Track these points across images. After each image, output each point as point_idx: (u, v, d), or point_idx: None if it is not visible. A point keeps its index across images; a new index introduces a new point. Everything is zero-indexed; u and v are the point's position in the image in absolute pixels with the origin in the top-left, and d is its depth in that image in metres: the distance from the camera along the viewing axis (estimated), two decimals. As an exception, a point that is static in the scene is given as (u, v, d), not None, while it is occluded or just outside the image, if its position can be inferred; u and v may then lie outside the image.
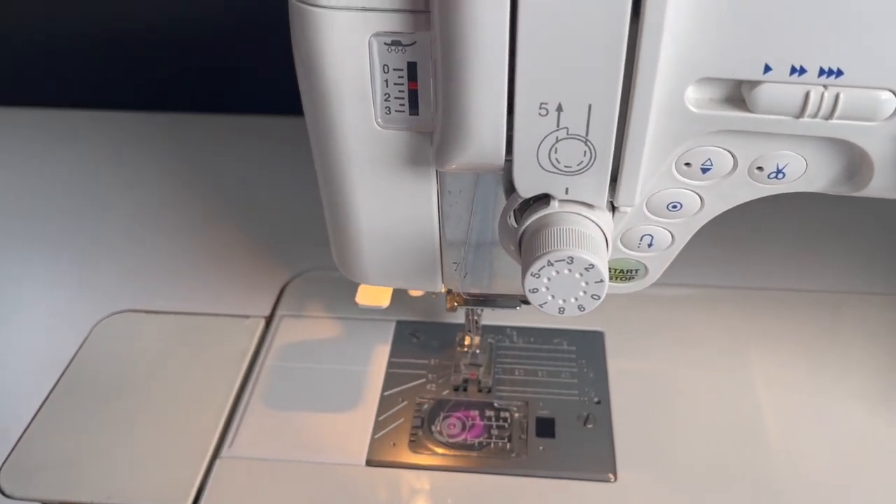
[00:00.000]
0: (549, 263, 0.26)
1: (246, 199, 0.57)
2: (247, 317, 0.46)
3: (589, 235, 0.27)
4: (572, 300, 0.27)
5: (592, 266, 0.26)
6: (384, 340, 0.45)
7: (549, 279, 0.27)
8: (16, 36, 0.66)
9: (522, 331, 0.44)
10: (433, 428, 0.39)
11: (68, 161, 0.61)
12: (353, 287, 0.38)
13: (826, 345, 0.44)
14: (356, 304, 0.37)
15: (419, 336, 0.45)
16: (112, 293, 0.49)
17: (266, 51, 0.64)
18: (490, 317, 0.44)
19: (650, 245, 0.31)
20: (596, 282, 0.27)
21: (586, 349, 0.44)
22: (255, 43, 0.63)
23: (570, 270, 0.26)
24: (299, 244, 0.52)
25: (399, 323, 0.45)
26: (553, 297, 0.27)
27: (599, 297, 0.27)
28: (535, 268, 0.26)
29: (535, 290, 0.27)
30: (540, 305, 0.28)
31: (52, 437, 0.40)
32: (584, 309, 0.27)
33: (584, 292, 0.27)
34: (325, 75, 0.27)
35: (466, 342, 0.42)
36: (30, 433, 0.40)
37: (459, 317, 0.44)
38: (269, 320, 0.46)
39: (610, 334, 0.44)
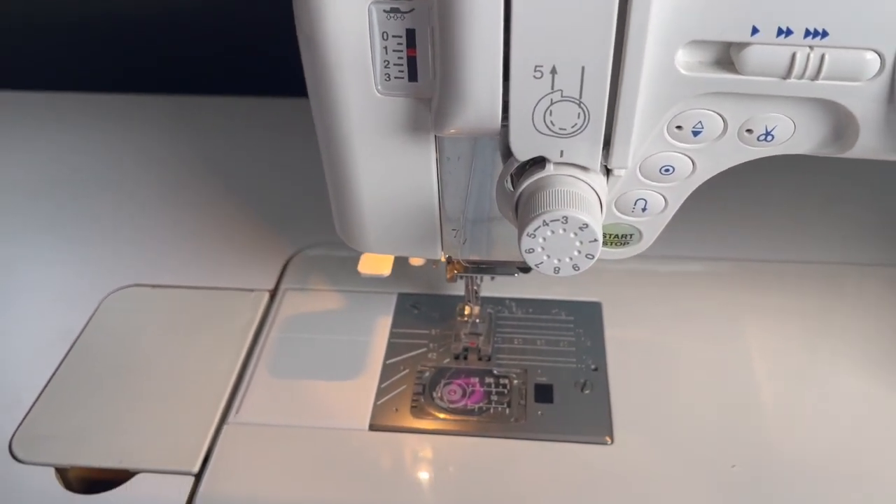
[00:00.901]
0: (545, 223, 0.27)
1: (250, 177, 0.58)
2: (251, 290, 0.47)
3: (583, 197, 0.28)
4: (567, 259, 0.28)
5: (586, 225, 0.27)
6: (386, 312, 0.45)
7: (544, 239, 0.27)
8: (18, 20, 0.67)
9: (521, 302, 0.45)
10: (434, 394, 0.40)
11: (75, 142, 0.62)
12: (356, 262, 0.39)
13: (821, 314, 0.45)
14: (358, 273, 0.38)
15: (420, 307, 0.45)
16: (118, 269, 0.49)
17: (268, 31, 0.65)
18: (489, 288, 0.45)
19: (644, 209, 0.32)
20: (590, 241, 0.27)
21: (584, 319, 0.44)
22: (258, 23, 0.64)
23: (564, 230, 0.27)
24: (302, 220, 0.53)
25: (400, 295, 0.46)
26: (548, 256, 0.28)
27: (593, 257, 0.28)
28: (530, 228, 0.27)
29: (531, 251, 0.28)
30: (536, 265, 0.28)
31: (63, 406, 0.41)
32: (579, 268, 0.28)
33: (579, 252, 0.28)
34: (326, 44, 0.28)
35: (466, 312, 0.43)
36: (41, 402, 0.41)
37: (459, 288, 0.45)
38: (273, 294, 0.47)
39: (607, 305, 0.45)
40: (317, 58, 0.29)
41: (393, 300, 0.46)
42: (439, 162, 0.32)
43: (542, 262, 0.28)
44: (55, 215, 0.55)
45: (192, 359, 0.43)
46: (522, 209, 0.28)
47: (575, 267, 0.28)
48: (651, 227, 0.33)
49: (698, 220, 0.50)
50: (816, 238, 0.50)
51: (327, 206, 0.54)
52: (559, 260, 0.28)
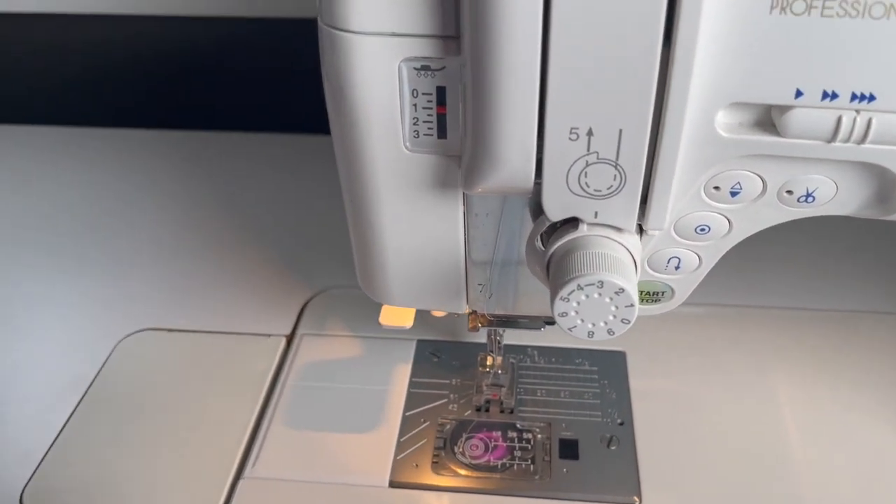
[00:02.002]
0: (580, 287, 0.26)
1: (266, 216, 0.57)
2: (268, 335, 0.47)
3: (618, 259, 0.27)
4: (602, 324, 0.27)
5: (623, 290, 0.26)
6: (405, 359, 0.44)
7: (578, 303, 0.27)
8: (47, 55, 0.67)
9: (544, 350, 0.44)
10: (456, 449, 0.39)
11: (89, 179, 0.62)
12: (373, 305, 0.38)
13: (848, 363, 0.44)
14: (379, 324, 0.38)
15: (440, 355, 0.45)
16: (133, 311, 0.49)
17: (288, 69, 0.65)
18: (511, 336, 0.44)
19: (677, 267, 0.31)
20: (626, 306, 0.27)
21: (608, 369, 0.43)
22: (277, 61, 0.64)
23: (599, 294, 0.26)
24: (319, 262, 0.52)
25: (420, 342, 0.45)
26: (582, 321, 0.27)
27: (629, 322, 0.27)
28: (564, 292, 0.26)
29: (564, 314, 0.27)
30: (569, 329, 0.27)
31: (75, 459, 0.40)
32: (614, 333, 0.27)
33: (614, 316, 0.27)
34: (355, 99, 0.28)
35: (488, 362, 0.42)
36: (52, 455, 0.40)
37: (480, 335, 0.44)
38: (290, 339, 0.46)
39: (631, 354, 0.44)
40: (345, 112, 0.28)
41: (412, 347, 0.45)
42: (467, 217, 0.31)
43: (575, 326, 0.27)
44: (68, 254, 0.54)
45: (208, 408, 0.42)
46: (555, 270, 0.27)
47: (610, 332, 0.27)
48: (684, 285, 0.32)
49: (724, 266, 0.49)
50: (846, 286, 0.49)
51: (344, 248, 0.53)
52: (593, 324, 0.27)
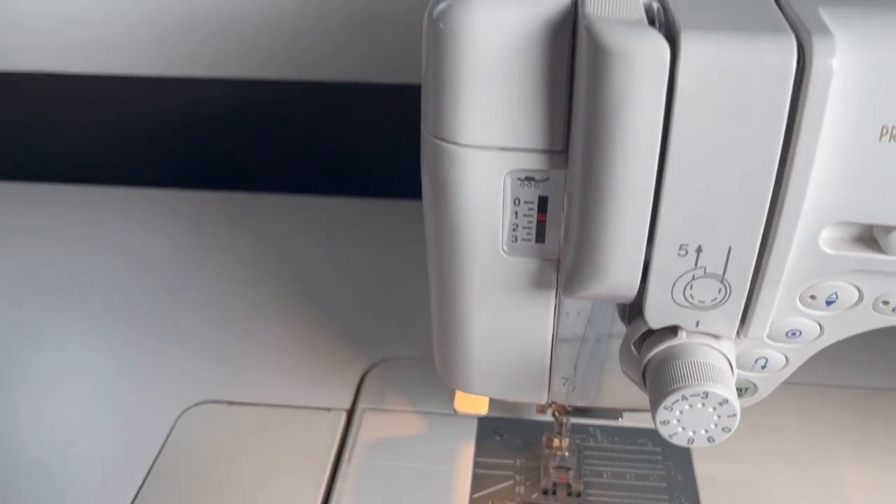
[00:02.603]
0: (684, 398, 0.27)
1: (321, 283, 0.57)
2: (328, 409, 0.47)
3: (720, 368, 0.27)
4: (702, 432, 0.28)
5: (727, 401, 0.27)
6: (468, 437, 0.44)
7: (681, 412, 0.27)
8: (103, 116, 0.68)
9: (606, 430, 0.44)
10: (526, 533, 0.39)
11: (140, 242, 0.62)
12: (433, 377, 0.38)
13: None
14: (454, 410, 0.38)
15: (503, 434, 0.45)
16: (191, 383, 0.49)
17: (347, 133, 0.66)
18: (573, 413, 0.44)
19: (764, 367, 0.31)
20: (729, 416, 0.27)
21: (672, 450, 0.43)
22: (338, 124, 0.65)
23: (703, 405, 0.27)
24: (376, 330, 0.52)
25: (482, 419, 0.45)
26: (683, 428, 0.27)
27: (730, 430, 0.27)
28: (668, 401, 0.27)
29: (665, 422, 0.27)
30: (669, 436, 0.28)
31: (143, 537, 0.40)
32: (714, 441, 0.28)
33: (716, 425, 0.27)
34: (458, 205, 0.28)
35: (554, 444, 0.42)
36: (121, 532, 0.40)
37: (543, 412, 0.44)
38: (350, 413, 0.47)
39: (693, 433, 0.44)
40: (445, 213, 0.29)
41: (474, 424, 0.45)
42: (557, 316, 0.31)
43: (676, 434, 0.28)
44: (122, 322, 0.54)
45: (273, 487, 0.42)
46: (654, 377, 0.28)
47: (710, 439, 0.28)
48: (768, 383, 0.32)
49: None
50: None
51: (401, 317, 0.54)
52: (694, 432, 0.28)
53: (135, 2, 0.61)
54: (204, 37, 0.62)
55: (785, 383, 0.48)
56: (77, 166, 0.69)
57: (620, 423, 0.45)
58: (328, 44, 0.62)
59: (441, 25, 0.26)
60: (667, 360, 0.28)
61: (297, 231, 0.64)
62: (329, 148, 0.67)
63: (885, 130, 0.24)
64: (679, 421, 0.27)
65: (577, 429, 0.44)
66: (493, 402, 0.46)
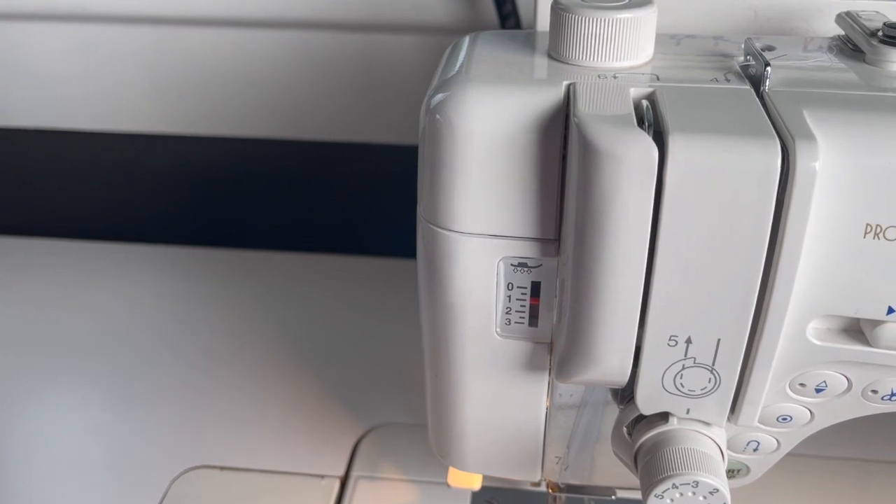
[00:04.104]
0: (674, 486, 0.27)
1: (313, 345, 0.58)
2: (321, 476, 0.47)
3: (710, 456, 0.27)
4: (693, 520, 0.28)
5: (717, 490, 0.27)
6: (461, 508, 0.44)
7: (671, 501, 0.27)
8: (93, 173, 0.69)
9: (601, 502, 0.44)
10: None
11: (130, 302, 0.62)
12: (427, 443, 0.38)
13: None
14: (447, 485, 0.38)
15: (496, 504, 0.44)
16: (183, 447, 0.49)
17: (332, 191, 0.67)
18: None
19: (755, 449, 0.31)
20: (719, 504, 0.27)
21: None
22: (335, 183, 0.66)
23: (693, 493, 0.27)
24: (370, 395, 0.52)
25: (475, 491, 0.45)
26: (674, 516, 0.27)
27: (721, 519, 0.27)
28: (659, 489, 0.27)
29: (656, 510, 0.27)
30: (660, 523, 0.28)
31: None
32: (705, 528, 0.28)
33: (707, 513, 0.27)
34: (451, 288, 0.29)
35: (549, 518, 0.41)
36: None
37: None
38: (343, 480, 0.46)
39: (687, 506, 0.44)
40: (439, 301, 0.29)
41: (467, 495, 0.45)
42: (550, 397, 0.32)
43: (667, 521, 0.28)
44: (111, 383, 0.54)
45: (265, 558, 0.42)
46: (646, 464, 0.28)
47: (701, 527, 0.28)
48: (760, 464, 0.33)
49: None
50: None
51: (395, 381, 0.54)
52: (685, 520, 0.28)
53: (134, 59, 0.62)
54: (203, 95, 0.63)
55: (792, 455, 0.48)
56: (66, 221, 0.70)
57: (614, 500, 0.44)
58: (329, 104, 0.63)
59: (438, 116, 0.26)
60: (657, 445, 0.28)
61: (292, 290, 0.64)
62: (327, 206, 0.67)
63: (868, 228, 0.24)
64: (670, 509, 0.27)
65: (570, 499, 0.44)
66: (488, 475, 0.46)
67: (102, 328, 0.59)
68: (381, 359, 0.56)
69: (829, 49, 0.29)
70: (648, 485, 0.27)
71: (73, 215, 0.71)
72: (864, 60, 0.28)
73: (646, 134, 0.23)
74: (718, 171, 0.23)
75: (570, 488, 0.37)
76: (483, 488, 0.45)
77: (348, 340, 0.58)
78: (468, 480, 0.37)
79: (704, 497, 0.27)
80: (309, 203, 0.68)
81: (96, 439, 0.50)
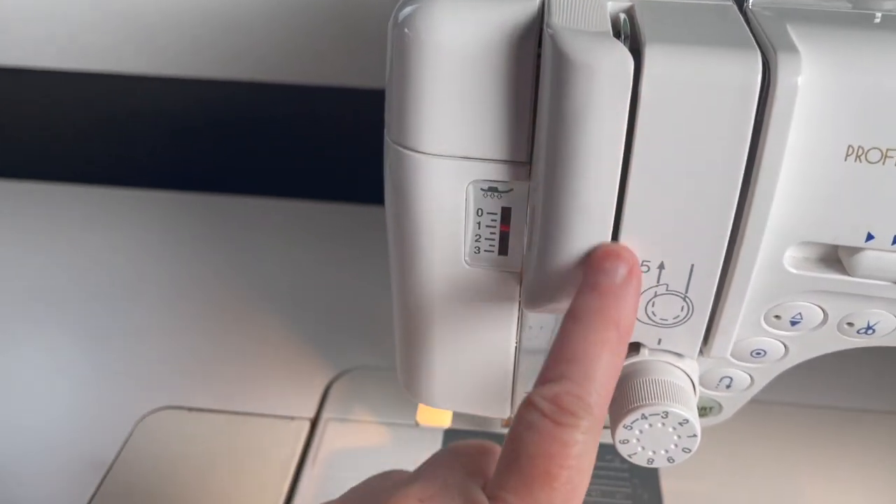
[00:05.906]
0: (643, 417, 0.26)
1: (288, 289, 0.57)
2: (291, 418, 0.46)
3: (681, 388, 0.27)
4: (662, 452, 0.27)
5: (687, 421, 0.26)
6: (432, 450, 0.43)
7: (641, 431, 0.26)
8: (72, 115, 0.67)
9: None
10: (486, 549, 0.39)
11: (101, 243, 0.61)
12: (398, 386, 0.38)
13: (883, 466, 0.43)
14: (416, 421, 0.37)
15: (468, 447, 0.44)
16: (151, 387, 0.48)
17: (313, 136, 0.65)
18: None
19: (728, 386, 0.31)
20: (689, 436, 0.26)
21: (639, 467, 0.43)
22: (302, 128, 0.64)
23: (663, 424, 0.26)
24: (344, 339, 0.52)
25: (448, 432, 0.45)
26: (643, 448, 0.27)
27: (690, 451, 0.27)
28: (628, 420, 0.26)
29: (625, 441, 0.27)
30: (629, 456, 0.27)
31: (94, 546, 0.39)
32: (674, 461, 0.27)
33: (676, 445, 0.27)
34: (419, 213, 0.28)
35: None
36: (71, 541, 0.39)
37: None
38: (314, 422, 0.46)
39: (660, 450, 0.44)
40: (407, 226, 0.28)
41: (439, 437, 0.44)
42: (520, 330, 0.31)
43: (635, 454, 0.27)
44: (81, 324, 0.53)
45: (232, 498, 0.41)
46: (616, 395, 0.27)
47: (670, 459, 0.27)
48: (733, 402, 0.32)
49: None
50: (887, 385, 0.49)
51: (369, 326, 0.53)
52: (654, 452, 0.27)
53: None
54: (182, 37, 0.61)
55: (752, 401, 0.47)
56: (46, 164, 0.68)
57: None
58: (305, 47, 0.61)
59: (405, 30, 0.25)
60: (628, 377, 0.27)
61: (263, 235, 0.63)
62: (298, 151, 0.66)
63: (850, 150, 0.23)
64: (639, 440, 0.27)
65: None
66: (458, 415, 0.45)
67: (73, 271, 0.58)
68: (356, 303, 0.55)
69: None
70: (617, 416, 0.27)
71: (44, 158, 0.69)
72: (852, -21, 0.26)
73: (621, 44, 0.22)
74: (696, 84, 0.22)
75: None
76: (454, 430, 0.45)
77: (323, 285, 0.57)
78: (438, 418, 0.37)
79: (674, 428, 0.26)
80: (285, 148, 0.66)
81: (64, 379, 0.49)
